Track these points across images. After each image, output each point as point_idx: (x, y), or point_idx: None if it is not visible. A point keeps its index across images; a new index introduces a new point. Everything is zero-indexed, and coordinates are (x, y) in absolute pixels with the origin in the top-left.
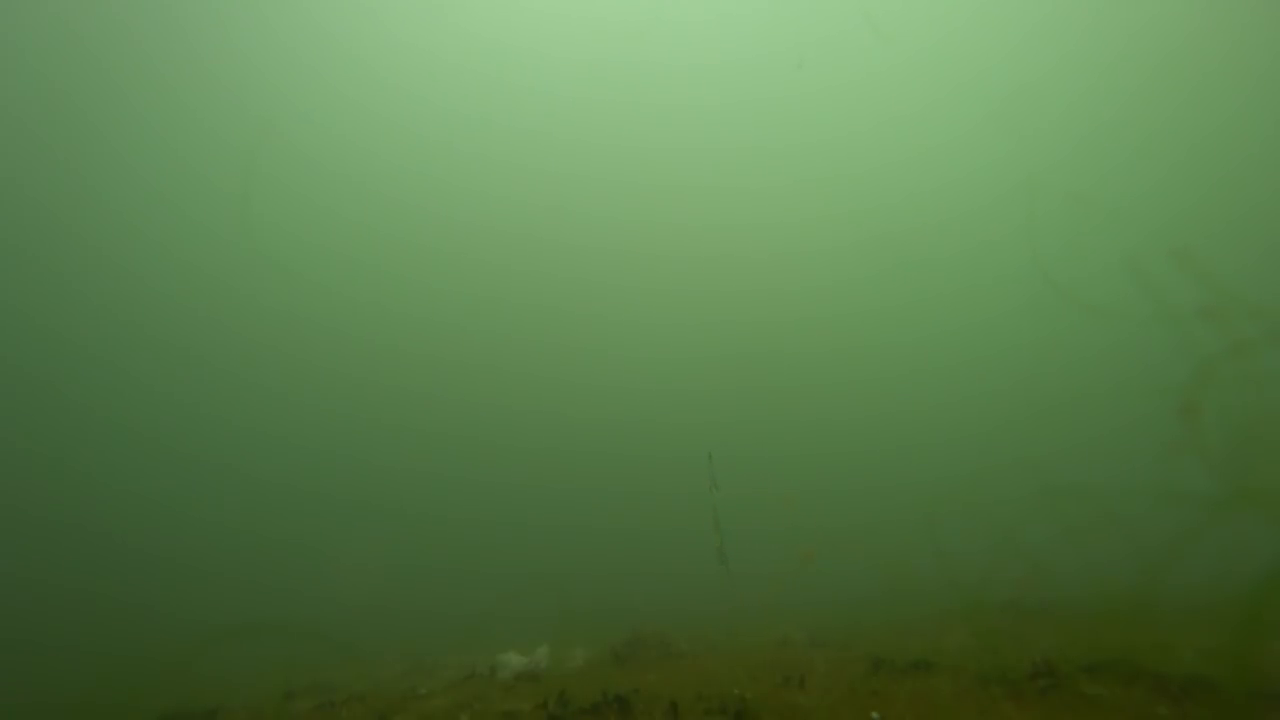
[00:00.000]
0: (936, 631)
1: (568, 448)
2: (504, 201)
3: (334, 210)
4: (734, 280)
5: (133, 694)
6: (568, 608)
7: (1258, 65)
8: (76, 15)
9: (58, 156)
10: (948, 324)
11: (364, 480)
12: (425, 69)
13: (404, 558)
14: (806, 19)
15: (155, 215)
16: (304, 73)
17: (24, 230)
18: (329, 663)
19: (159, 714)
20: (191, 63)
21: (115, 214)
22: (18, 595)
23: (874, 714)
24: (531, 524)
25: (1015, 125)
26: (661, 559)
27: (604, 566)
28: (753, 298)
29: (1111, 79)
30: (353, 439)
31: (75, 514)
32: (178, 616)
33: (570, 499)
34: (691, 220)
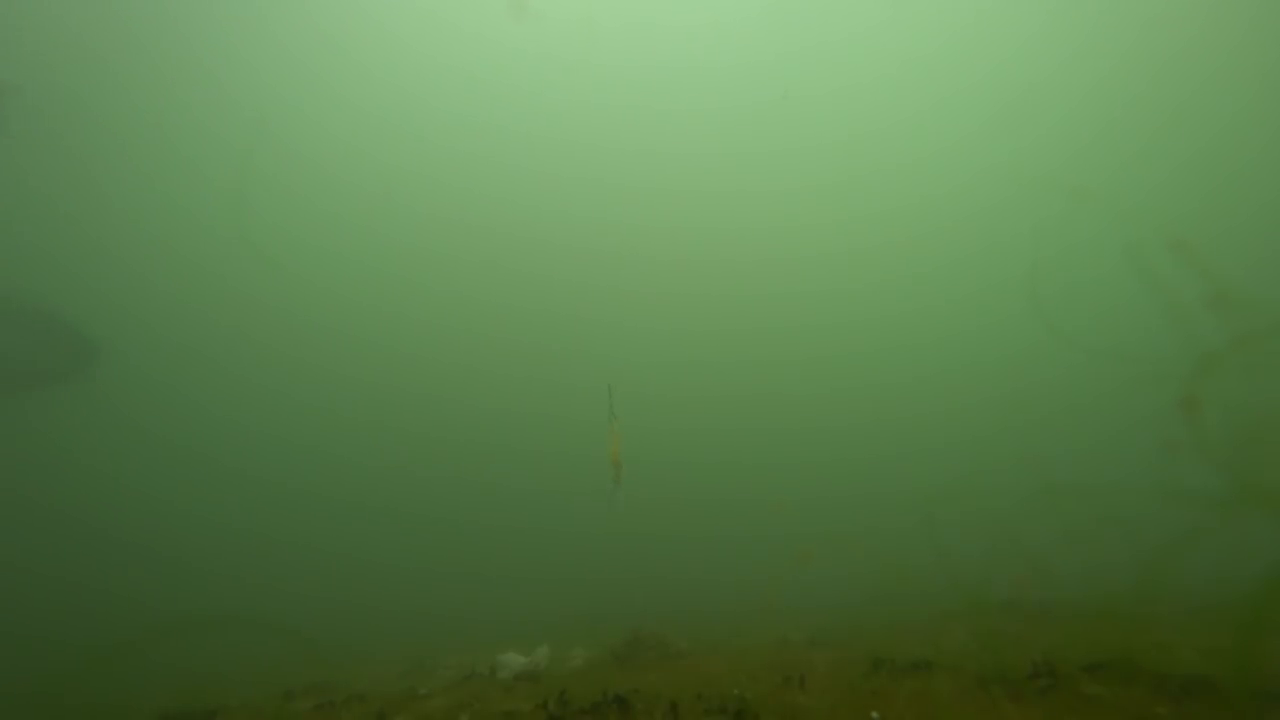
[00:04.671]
0: (936, 631)
1: (567, 449)
2: (502, 203)
3: (331, 209)
4: (732, 285)
5: (132, 693)
6: (568, 608)
7: (1260, 64)
8: (74, 11)
9: (55, 152)
10: (947, 327)
11: (364, 481)
12: (422, 68)
13: (405, 558)
14: (806, 20)
15: (152, 211)
16: (300, 71)
17: (22, 225)
18: (326, 662)
19: (159, 714)
20: (188, 60)
21: (114, 209)
22: (14, 588)
23: (874, 714)
24: (531, 525)
25: (1016, 130)
26: (661, 560)
27: (604, 567)
28: (751, 303)
29: (1114, 79)
30: (353, 440)
31: (75, 508)
32: (171, 613)
33: (570, 501)
34: (690, 225)
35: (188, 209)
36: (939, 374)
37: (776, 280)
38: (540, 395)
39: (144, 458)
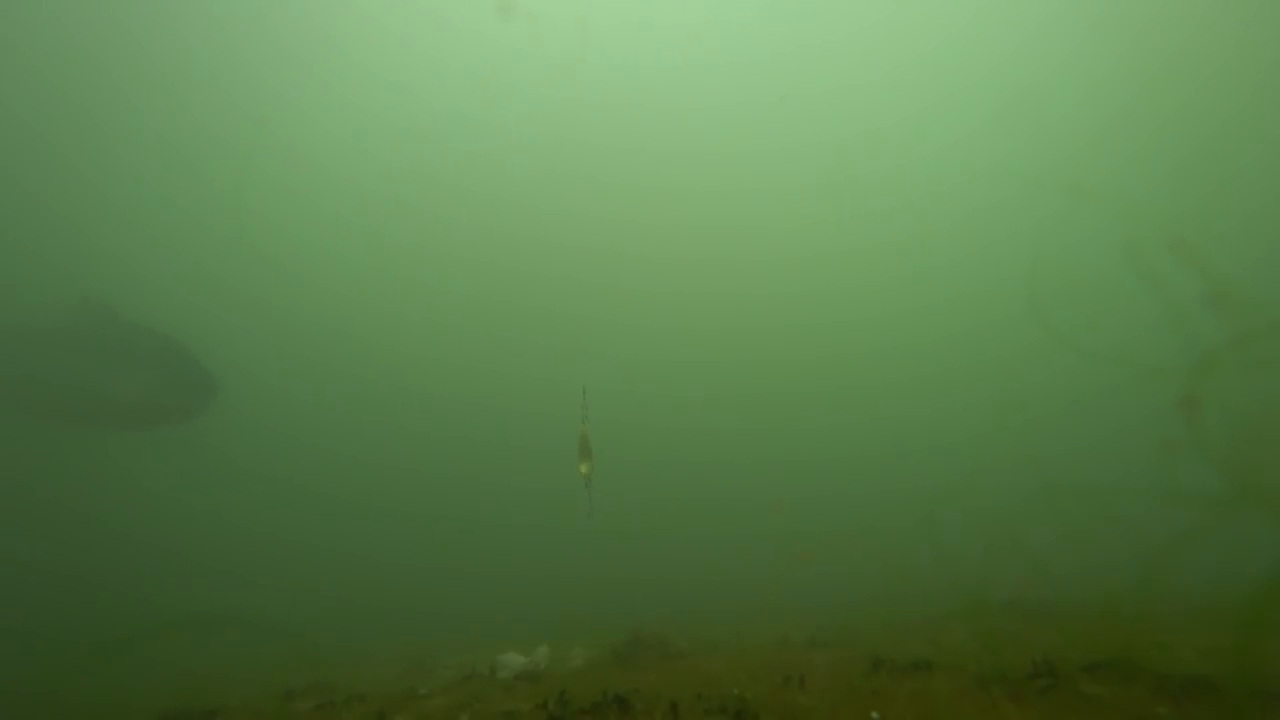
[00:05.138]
0: (936, 631)
1: (568, 449)
2: (501, 201)
3: (330, 209)
4: (731, 284)
5: (133, 693)
6: (568, 608)
7: (1260, 63)
8: (72, 10)
9: (53, 152)
10: (947, 327)
11: (364, 480)
12: (422, 67)
13: (405, 558)
14: (804, 19)
15: (151, 210)
16: (300, 69)
17: (19, 225)
18: (326, 662)
19: (159, 714)
20: (187, 59)
21: (112, 209)
22: (12, 586)
23: (874, 714)
24: (532, 525)
25: (1015, 129)
26: (661, 560)
27: (604, 567)
28: (750, 302)
29: (1113, 78)
30: (353, 438)
31: (72, 503)
32: (171, 612)
33: (570, 500)
34: (689, 223)
35: (186, 208)
36: (939, 374)
37: (775, 279)
38: (540, 394)
39: (142, 454)
